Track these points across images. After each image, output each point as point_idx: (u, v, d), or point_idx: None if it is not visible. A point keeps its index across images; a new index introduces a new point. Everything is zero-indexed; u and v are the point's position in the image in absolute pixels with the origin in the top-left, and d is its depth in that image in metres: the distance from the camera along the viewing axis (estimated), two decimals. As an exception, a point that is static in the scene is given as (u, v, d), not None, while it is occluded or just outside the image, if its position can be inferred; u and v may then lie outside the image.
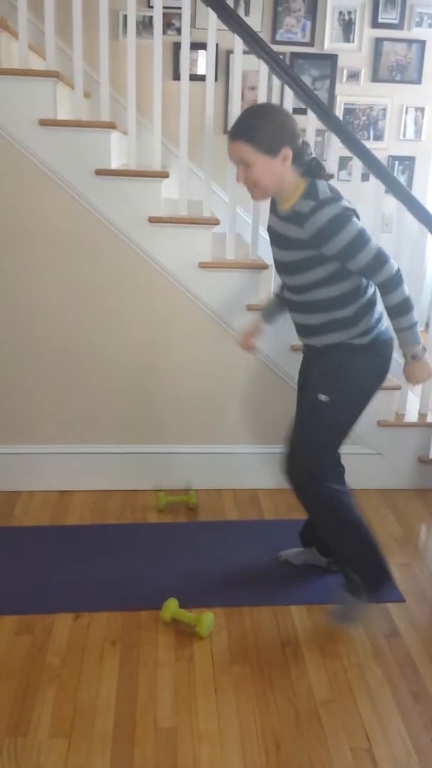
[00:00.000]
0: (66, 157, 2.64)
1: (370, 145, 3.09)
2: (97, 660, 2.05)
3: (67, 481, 3.02)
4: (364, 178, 3.02)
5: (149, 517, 2.87)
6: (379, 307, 2.16)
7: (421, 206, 2.89)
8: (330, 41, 3.71)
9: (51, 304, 2.83)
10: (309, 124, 2.78)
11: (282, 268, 2.13)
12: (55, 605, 2.28)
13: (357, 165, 2.84)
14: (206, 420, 3.00)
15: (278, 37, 3.69)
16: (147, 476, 3.06)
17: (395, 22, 3.73)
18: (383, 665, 2.08)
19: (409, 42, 3.76)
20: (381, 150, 3.84)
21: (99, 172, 2.66)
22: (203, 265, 2.80)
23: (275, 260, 2.16)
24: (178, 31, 3.48)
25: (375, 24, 3.74)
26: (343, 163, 3.73)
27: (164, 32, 2.82)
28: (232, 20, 2.62)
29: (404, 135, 3.90)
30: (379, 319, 2.15)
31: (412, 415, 3.18)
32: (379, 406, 3.06)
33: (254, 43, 2.63)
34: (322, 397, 2.12)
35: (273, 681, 2.00)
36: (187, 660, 2.07)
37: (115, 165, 2.74)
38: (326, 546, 2.42)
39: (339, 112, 3.81)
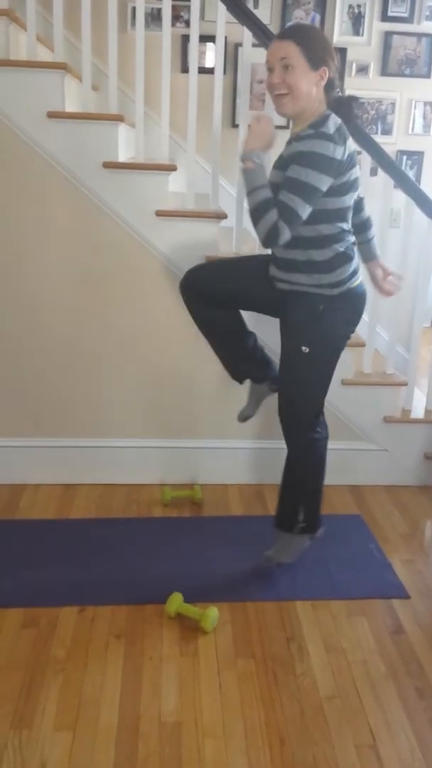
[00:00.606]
0: (73, 149, 2.63)
1: (378, 139, 3.06)
2: (101, 654, 2.06)
3: (73, 474, 3.02)
4: (373, 172, 3.00)
5: (154, 511, 2.87)
6: (356, 261, 2.21)
7: (430, 202, 2.88)
8: (339, 34, 3.69)
9: (56, 297, 2.82)
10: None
11: (273, 190, 2.10)
12: (60, 599, 2.28)
13: (366, 159, 2.82)
14: (212, 414, 3.00)
15: (287, 30, 3.66)
16: (152, 470, 3.06)
17: (405, 15, 3.71)
18: (388, 662, 2.08)
19: (419, 36, 3.74)
20: (389, 144, 3.82)
21: (106, 165, 2.66)
22: (210, 260, 2.79)
23: (272, 186, 2.13)
24: (187, 23, 3.46)
25: (384, 17, 3.71)
26: (352, 157, 3.72)
27: (173, 24, 2.80)
28: (242, 12, 2.60)
29: (413, 130, 3.87)
30: (355, 272, 2.20)
31: (418, 412, 3.16)
32: (385, 401, 3.06)
33: (263, 36, 2.61)
34: (305, 349, 2.19)
35: (277, 676, 2.00)
36: (191, 654, 2.07)
37: (122, 158, 2.73)
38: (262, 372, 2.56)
39: (347, 106, 3.78)
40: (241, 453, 3.06)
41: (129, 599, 2.29)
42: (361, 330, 3.25)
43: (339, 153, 1.99)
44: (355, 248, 2.22)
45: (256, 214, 2.03)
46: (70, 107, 2.68)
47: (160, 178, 2.71)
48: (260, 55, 2.71)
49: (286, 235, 2.01)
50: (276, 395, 2.38)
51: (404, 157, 3.90)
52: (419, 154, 3.91)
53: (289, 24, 2.11)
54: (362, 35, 3.71)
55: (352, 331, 2.28)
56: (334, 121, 2.02)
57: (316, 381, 2.29)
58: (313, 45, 2.00)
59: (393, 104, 3.82)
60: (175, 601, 2.21)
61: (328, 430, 2.44)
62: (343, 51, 3.71)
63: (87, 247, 2.77)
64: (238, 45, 3.49)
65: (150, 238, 2.76)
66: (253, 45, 2.66)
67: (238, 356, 2.52)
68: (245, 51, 2.69)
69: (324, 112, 2.06)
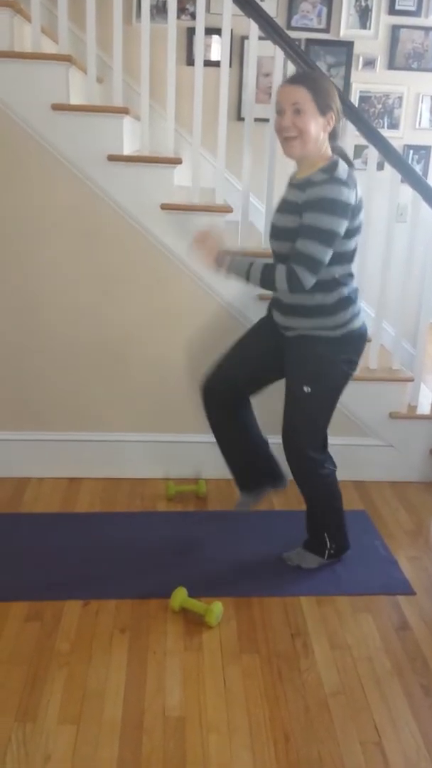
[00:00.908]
0: (78, 142, 2.62)
1: (385, 133, 3.03)
2: (106, 647, 2.05)
3: (77, 468, 3.02)
4: (380, 167, 2.98)
5: (158, 505, 2.86)
6: (359, 304, 2.25)
7: (437, 196, 2.86)
8: (346, 28, 3.66)
9: (62, 291, 2.81)
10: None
11: (275, 233, 2.20)
12: (64, 592, 2.28)
13: (372, 154, 2.80)
14: (217, 409, 2.98)
15: (294, 23, 3.63)
16: (156, 465, 3.05)
17: (413, 9, 3.67)
18: (393, 658, 2.07)
19: (427, 29, 3.71)
20: (396, 139, 3.78)
21: (111, 158, 2.64)
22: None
23: (271, 225, 2.23)
24: (193, 15, 3.44)
25: (392, 11, 3.68)
26: (359, 151, 3.68)
27: (178, 17, 2.78)
28: (248, 5, 2.58)
29: (420, 124, 3.84)
30: (356, 314, 2.23)
31: (424, 408, 3.15)
32: (391, 397, 3.04)
33: (270, 29, 2.60)
34: (306, 389, 2.23)
35: (282, 672, 1.99)
36: (195, 649, 2.06)
37: (127, 151, 2.72)
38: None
39: (354, 99, 3.75)
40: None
41: (133, 593, 2.29)
42: (368, 325, 3.24)
43: (352, 197, 2.05)
44: (359, 292, 2.26)
45: (267, 283, 2.11)
46: (75, 100, 2.66)
47: (165, 172, 2.70)
48: (266, 48, 2.71)
49: (310, 281, 2.05)
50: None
51: (411, 152, 3.88)
52: (426, 149, 3.89)
53: (299, 71, 2.18)
54: (369, 29, 3.68)
55: (354, 370, 2.30)
56: (344, 167, 2.09)
57: (318, 418, 2.32)
58: (323, 92, 2.07)
59: (400, 98, 3.79)
60: (180, 596, 2.20)
61: (335, 463, 2.44)
62: (350, 44, 3.68)
63: (91, 241, 2.76)
64: (244, 38, 3.46)
65: (155, 232, 2.75)
66: (260, 38, 2.64)
67: (256, 468, 2.60)
68: (251, 44, 2.67)
69: (332, 158, 2.12)
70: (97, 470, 3.03)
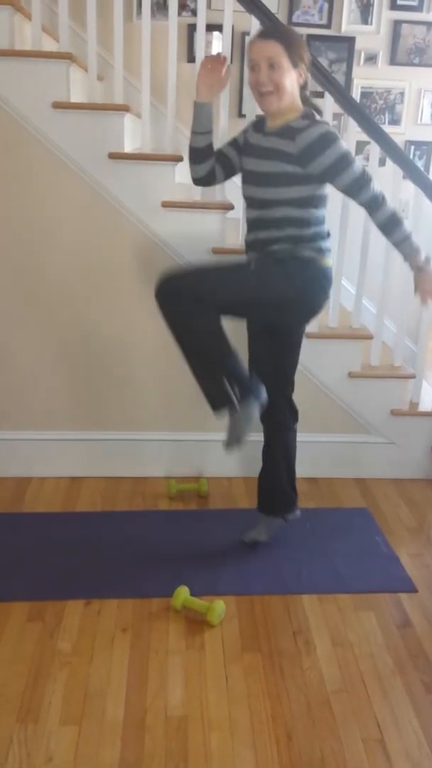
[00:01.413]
0: (79, 140, 2.62)
1: (386, 129, 3.02)
2: (107, 647, 2.05)
3: (78, 467, 3.02)
4: (381, 163, 2.97)
5: (160, 504, 2.86)
6: (329, 245, 2.28)
7: (439, 192, 2.85)
8: (347, 23, 3.64)
9: (61, 289, 2.81)
10: (326, 107, 2.74)
11: (256, 179, 2.20)
12: (65, 592, 2.28)
13: (374, 149, 2.79)
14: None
15: (295, 19, 3.62)
16: (158, 463, 3.05)
17: (414, 4, 3.66)
18: (395, 655, 2.07)
19: (428, 25, 3.69)
20: (398, 135, 3.77)
21: (112, 156, 2.64)
22: (216, 251, 2.77)
23: (248, 172, 2.24)
24: (193, 12, 3.43)
25: (393, 6, 3.66)
26: (360, 147, 3.68)
27: (179, 14, 2.77)
28: (249, 1, 2.57)
29: (422, 119, 3.83)
30: (329, 250, 2.27)
31: (426, 404, 3.14)
32: (392, 394, 3.04)
33: (271, 25, 2.58)
34: (303, 329, 2.40)
35: (284, 670, 1.99)
36: (197, 648, 2.07)
37: (128, 148, 2.71)
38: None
39: (356, 95, 3.74)
40: (247, 446, 3.03)
41: (135, 592, 2.29)
42: (369, 322, 3.23)
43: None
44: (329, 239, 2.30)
45: (400, 221, 2.24)
46: (76, 97, 2.66)
47: (166, 169, 2.69)
48: (267, 44, 2.69)
49: (377, 187, 2.17)
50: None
51: (413, 148, 3.86)
52: (428, 144, 3.87)
53: (268, 24, 2.22)
54: (371, 24, 3.67)
55: (323, 301, 2.32)
56: (317, 114, 2.20)
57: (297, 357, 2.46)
58: (294, 45, 2.10)
59: (402, 94, 3.77)
60: (182, 595, 2.20)
61: None
62: (351, 40, 3.67)
63: (92, 239, 2.75)
64: (245, 34, 3.44)
65: (156, 229, 2.74)
66: (261, 34, 2.62)
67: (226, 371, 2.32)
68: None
69: (305, 108, 2.19)
70: (99, 469, 3.03)
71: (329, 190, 2.22)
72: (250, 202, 2.25)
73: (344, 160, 2.09)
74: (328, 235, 2.27)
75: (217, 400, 2.26)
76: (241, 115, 3.61)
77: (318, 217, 2.21)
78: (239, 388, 2.24)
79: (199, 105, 2.28)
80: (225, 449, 2.30)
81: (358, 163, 2.13)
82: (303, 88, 2.19)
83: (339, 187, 2.15)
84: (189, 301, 2.13)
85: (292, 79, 2.11)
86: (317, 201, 2.18)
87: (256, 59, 2.09)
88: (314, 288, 2.24)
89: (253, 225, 2.25)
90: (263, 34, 2.12)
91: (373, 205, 2.17)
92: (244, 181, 2.26)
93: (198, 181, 2.39)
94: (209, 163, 2.34)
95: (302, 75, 2.14)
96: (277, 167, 2.13)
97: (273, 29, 2.17)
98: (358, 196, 2.16)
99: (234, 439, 2.26)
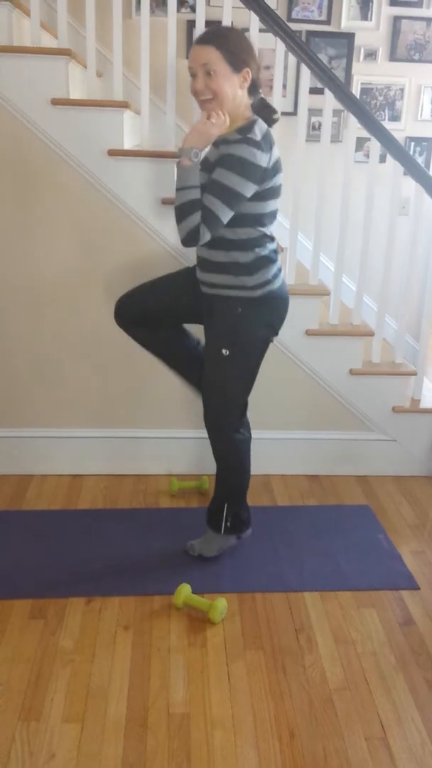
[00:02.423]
0: (78, 137, 2.61)
1: (386, 125, 3.02)
2: (109, 645, 2.05)
3: (79, 465, 3.01)
4: (382, 159, 2.96)
5: (161, 502, 2.85)
6: (278, 265, 2.21)
7: (440, 188, 2.84)
8: (347, 19, 3.63)
9: (63, 287, 2.80)
10: (326, 103, 2.73)
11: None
12: (67, 589, 2.27)
13: (374, 146, 2.78)
14: (219, 405, 2.97)
15: (294, 15, 3.61)
16: (159, 461, 3.04)
17: (414, 0, 3.65)
18: (397, 653, 2.06)
19: (428, 20, 3.68)
20: (398, 131, 3.76)
21: (112, 153, 2.63)
22: (217, 248, 2.76)
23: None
24: (192, 8, 3.42)
25: (393, 2, 3.65)
26: (360, 143, 3.67)
27: (178, 10, 2.76)
28: (248, -4, 2.56)
29: (422, 115, 3.82)
30: (276, 275, 2.20)
31: (427, 401, 3.14)
32: (393, 391, 3.03)
33: (270, 21, 2.58)
34: (224, 352, 2.20)
35: (286, 668, 1.99)
36: (199, 646, 2.06)
37: (127, 145, 2.70)
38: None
39: (356, 91, 3.72)
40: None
41: (137, 590, 2.28)
42: (370, 319, 3.23)
43: (264, 160, 2.01)
44: (278, 253, 2.23)
45: (181, 213, 2.03)
46: (75, 94, 2.65)
47: (165, 166, 2.68)
48: (267, 40, 2.69)
49: (205, 236, 2.03)
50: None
51: (413, 144, 3.85)
52: (428, 141, 3.86)
53: (208, 28, 2.11)
54: (370, 20, 3.65)
55: (275, 334, 2.29)
56: (260, 128, 2.03)
57: (237, 383, 2.28)
58: (234, 48, 2.00)
59: (402, 90, 3.76)
60: (183, 592, 2.19)
61: (250, 431, 2.43)
62: (351, 36, 3.65)
63: (92, 235, 2.75)
64: (244, 30, 3.44)
65: (156, 226, 2.73)
66: (260, 30, 2.62)
67: (194, 367, 2.50)
68: (252, 36, 2.65)
69: (251, 117, 2.07)
70: (100, 467, 3.02)
71: (327, 186, 2.18)
72: None
73: (220, 189, 1.98)
74: (274, 254, 2.19)
75: (240, 524, 2.45)
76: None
77: (253, 239, 2.11)
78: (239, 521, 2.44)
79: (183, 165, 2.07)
80: (187, 548, 2.47)
81: (216, 201, 1.98)
82: (254, 89, 2.10)
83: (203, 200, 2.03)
84: (135, 325, 2.42)
85: (233, 85, 2.01)
86: (241, 220, 2.07)
87: (194, 66, 2.02)
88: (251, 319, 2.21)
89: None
90: (200, 40, 2.03)
91: (187, 216, 2.02)
92: None
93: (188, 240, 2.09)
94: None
95: (246, 78, 2.03)
96: (205, 178, 2.08)
97: (210, 34, 2.04)
98: (204, 215, 2.01)
99: (202, 550, 2.45)
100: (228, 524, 2.43)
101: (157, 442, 3.02)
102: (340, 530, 2.68)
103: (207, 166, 2.11)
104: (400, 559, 2.52)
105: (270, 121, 2.13)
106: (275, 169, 2.06)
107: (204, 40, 2.02)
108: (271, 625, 2.16)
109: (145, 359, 2.91)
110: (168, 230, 2.74)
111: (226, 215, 2.01)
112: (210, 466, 3.03)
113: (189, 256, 2.76)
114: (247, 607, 2.23)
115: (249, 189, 2.00)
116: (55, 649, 2.02)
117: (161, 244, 2.76)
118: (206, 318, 2.29)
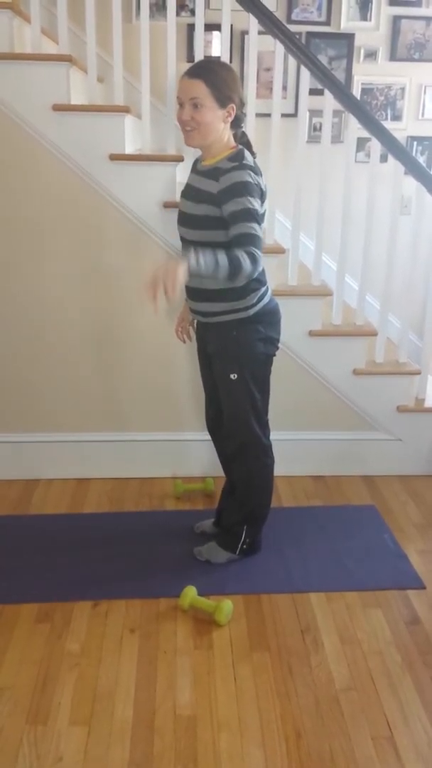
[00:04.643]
0: (80, 142, 2.62)
1: (388, 125, 3.02)
2: (116, 648, 2.05)
3: (85, 469, 3.02)
4: (383, 159, 2.96)
5: (166, 504, 2.86)
6: (266, 283, 2.26)
7: (441, 187, 2.84)
8: (347, 20, 3.63)
9: (65, 291, 2.81)
10: (326, 104, 2.74)
11: (185, 220, 2.19)
12: (73, 593, 2.28)
13: (375, 146, 2.79)
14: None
15: (294, 17, 3.61)
16: (164, 464, 3.05)
17: (413, -1, 3.65)
18: (404, 652, 2.06)
19: (428, 20, 3.67)
20: (399, 130, 3.75)
21: (113, 157, 2.64)
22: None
23: (181, 213, 2.22)
24: (192, 12, 3.42)
25: (393, 1, 3.64)
26: (361, 144, 3.66)
27: (178, 14, 2.77)
28: (247, 0, 2.57)
29: (423, 115, 3.81)
30: (265, 293, 2.25)
31: (432, 400, 3.13)
32: (398, 391, 3.03)
33: (270, 23, 2.58)
34: (233, 376, 2.24)
35: (292, 668, 1.99)
36: (206, 648, 2.07)
37: (129, 150, 2.72)
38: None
39: (356, 92, 3.72)
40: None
41: (143, 593, 2.29)
42: (373, 318, 3.23)
43: (260, 182, 2.11)
44: (265, 274, 2.25)
45: (232, 270, 1.96)
46: (76, 99, 2.66)
47: (167, 169, 2.69)
48: (267, 42, 2.69)
49: (259, 258, 2.02)
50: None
51: (415, 143, 3.85)
52: (430, 140, 3.86)
53: (198, 61, 2.15)
54: (370, 20, 3.65)
55: (274, 347, 2.32)
56: (248, 156, 2.12)
57: (255, 402, 2.31)
58: (221, 84, 2.06)
59: (402, 89, 3.76)
60: (189, 595, 2.20)
61: (273, 456, 2.44)
62: (350, 36, 3.65)
63: (94, 240, 2.76)
64: (244, 33, 3.44)
65: (158, 230, 2.74)
66: (260, 32, 2.62)
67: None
68: (251, 39, 2.66)
69: (237, 147, 2.14)
70: (105, 470, 3.03)
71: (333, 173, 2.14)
72: (184, 243, 2.22)
73: (245, 215, 2.01)
74: (263, 275, 2.22)
75: (256, 547, 2.49)
76: (241, 114, 3.60)
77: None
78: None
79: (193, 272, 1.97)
80: (195, 553, 2.49)
81: (257, 227, 2.02)
82: (237, 123, 2.16)
83: (229, 233, 2.04)
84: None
85: (217, 118, 2.07)
86: None
87: (182, 97, 2.07)
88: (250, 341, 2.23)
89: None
90: (190, 72, 2.07)
91: (233, 261, 1.95)
92: (179, 221, 2.24)
93: None
94: None
95: (231, 113, 2.09)
96: (202, 210, 2.10)
97: (200, 68, 2.09)
98: (237, 248, 1.98)
99: (210, 556, 2.47)
100: (245, 546, 2.45)
101: (162, 445, 3.03)
102: (346, 530, 2.68)
103: (201, 196, 2.11)
104: (406, 559, 2.51)
105: (251, 152, 2.19)
106: (264, 194, 2.14)
107: (194, 74, 2.07)
108: (277, 626, 2.16)
109: (149, 362, 2.92)
110: (170, 233, 2.74)
111: (260, 233, 2.06)
112: (214, 469, 3.04)
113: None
114: (252, 609, 2.24)
115: (259, 207, 2.07)
116: (61, 653, 2.03)
117: (164, 248, 2.77)
118: (209, 347, 2.32)
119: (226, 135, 2.14)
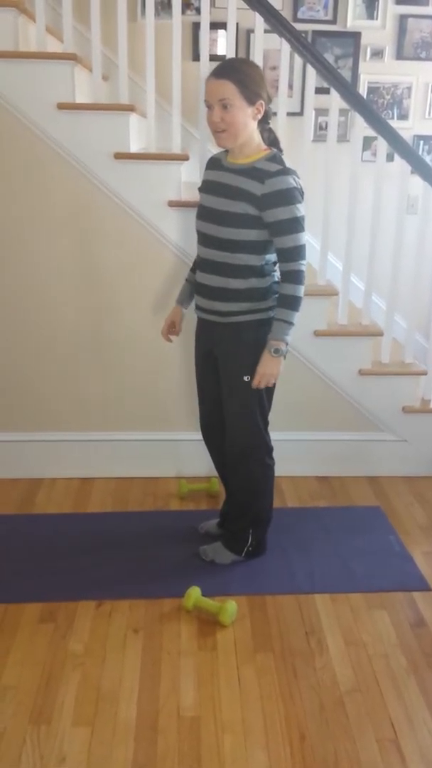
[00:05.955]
0: (84, 140, 2.61)
1: (394, 124, 3.00)
2: (119, 648, 2.05)
3: (89, 468, 3.02)
4: (389, 158, 2.94)
5: (171, 504, 2.85)
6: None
7: (448, 187, 2.82)
8: (353, 18, 3.62)
9: (69, 290, 2.81)
10: (332, 103, 2.72)
11: (214, 217, 2.16)
12: (77, 593, 2.27)
13: (382, 145, 2.77)
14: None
15: (300, 15, 3.59)
16: (168, 463, 3.04)
17: (420, -3, 3.63)
18: (409, 655, 2.05)
19: (435, 18, 3.66)
20: (406, 129, 3.73)
21: (118, 156, 2.63)
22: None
23: (205, 209, 2.20)
24: (198, 10, 3.41)
25: (399, 0, 3.64)
26: (368, 143, 3.64)
27: (183, 12, 2.76)
28: (253, -2, 2.56)
29: (430, 114, 3.80)
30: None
31: (438, 401, 3.12)
32: (404, 391, 3.02)
33: (275, 22, 2.57)
34: (246, 378, 2.23)
35: (297, 670, 1.98)
36: (210, 649, 2.06)
37: (134, 148, 2.71)
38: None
39: (362, 91, 3.71)
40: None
41: (146, 593, 2.28)
42: (379, 318, 3.21)
43: (300, 184, 2.11)
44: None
45: (297, 305, 2.15)
46: (81, 98, 2.65)
47: (172, 168, 2.68)
48: (272, 41, 2.68)
49: (305, 268, 2.12)
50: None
51: (421, 142, 3.83)
52: (436, 139, 3.85)
53: (222, 61, 2.15)
54: (377, 19, 3.64)
55: (287, 351, 2.28)
56: (284, 159, 2.13)
57: (263, 405, 2.32)
58: (249, 82, 2.04)
59: (409, 88, 3.74)
60: (193, 595, 2.19)
61: (273, 458, 2.44)
62: (357, 35, 3.64)
63: (99, 239, 2.75)
64: (249, 31, 3.43)
65: (163, 229, 2.73)
66: (265, 31, 2.61)
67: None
68: (257, 37, 2.65)
69: (273, 151, 2.14)
70: (109, 470, 3.03)
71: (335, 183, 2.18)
72: (207, 243, 2.20)
73: (294, 224, 2.06)
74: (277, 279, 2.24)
75: (261, 549, 2.49)
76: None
77: (272, 263, 2.20)
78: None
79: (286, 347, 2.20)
80: (200, 552, 2.48)
81: (304, 235, 2.10)
82: (264, 121, 2.15)
83: (277, 245, 2.11)
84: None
85: (246, 116, 2.06)
86: (269, 246, 2.14)
87: (210, 100, 2.06)
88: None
89: (212, 268, 2.20)
90: (216, 73, 2.06)
91: (294, 277, 2.12)
92: (201, 218, 2.22)
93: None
94: None
95: (260, 110, 2.08)
96: (238, 207, 2.09)
97: (226, 68, 2.07)
98: (288, 262, 2.11)
99: (215, 557, 2.46)
100: (251, 549, 2.45)
101: (167, 445, 3.02)
102: (351, 532, 2.67)
103: (230, 192, 2.11)
104: (412, 561, 2.50)
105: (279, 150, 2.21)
106: (303, 196, 2.15)
107: (220, 74, 2.05)
108: (282, 628, 2.15)
109: (153, 362, 2.91)
110: (174, 232, 2.74)
111: (305, 239, 2.10)
112: (219, 468, 3.02)
113: (192, 257, 2.75)
114: (257, 610, 2.23)
115: (304, 210, 2.10)
116: (65, 653, 2.02)
117: (169, 247, 2.76)
118: (218, 348, 2.29)
119: (257, 133, 2.13)
